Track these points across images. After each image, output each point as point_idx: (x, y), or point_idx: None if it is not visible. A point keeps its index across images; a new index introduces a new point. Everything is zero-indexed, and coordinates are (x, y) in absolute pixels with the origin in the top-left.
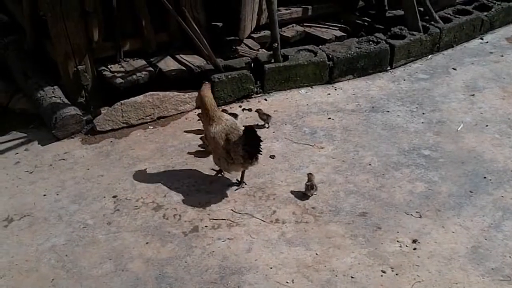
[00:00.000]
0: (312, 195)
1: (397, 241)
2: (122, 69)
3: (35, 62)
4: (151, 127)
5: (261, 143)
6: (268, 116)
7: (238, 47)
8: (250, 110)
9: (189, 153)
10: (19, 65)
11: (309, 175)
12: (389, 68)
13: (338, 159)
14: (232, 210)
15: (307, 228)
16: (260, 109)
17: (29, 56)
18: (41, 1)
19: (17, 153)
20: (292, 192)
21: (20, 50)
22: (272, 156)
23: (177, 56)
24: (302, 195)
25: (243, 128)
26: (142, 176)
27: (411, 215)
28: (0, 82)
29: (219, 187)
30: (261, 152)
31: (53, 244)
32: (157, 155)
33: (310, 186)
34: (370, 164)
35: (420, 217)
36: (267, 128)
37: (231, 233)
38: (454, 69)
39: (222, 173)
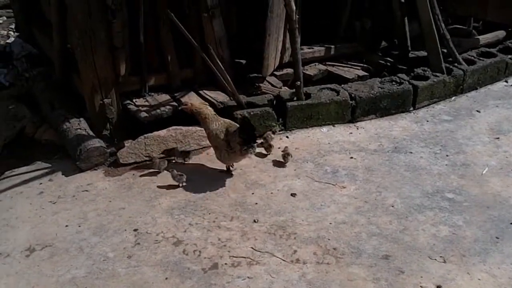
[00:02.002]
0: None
1: (421, 286)
2: (146, 103)
3: (62, 94)
4: (174, 161)
5: (255, 132)
6: (288, 154)
7: (261, 84)
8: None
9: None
10: (46, 96)
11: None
12: (412, 108)
13: (360, 200)
14: (252, 248)
15: (329, 270)
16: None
17: (56, 88)
18: (70, 36)
19: (41, 183)
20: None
21: (47, 81)
22: (293, 194)
23: (200, 91)
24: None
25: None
26: (162, 210)
27: (435, 259)
28: (27, 112)
29: (239, 224)
30: (255, 140)
31: (73, 276)
32: (179, 189)
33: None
34: (393, 206)
35: (445, 262)
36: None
37: (251, 272)
38: (478, 111)
39: (232, 168)
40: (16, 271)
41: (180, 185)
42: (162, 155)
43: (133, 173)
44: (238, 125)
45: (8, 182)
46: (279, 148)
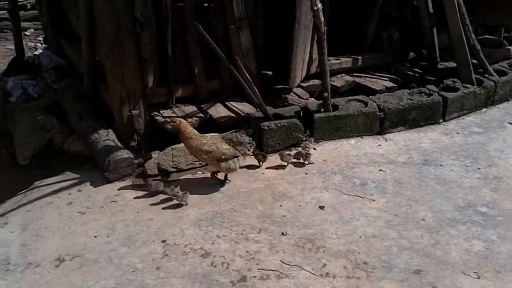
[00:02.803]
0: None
1: None
2: (173, 115)
3: (90, 105)
4: (200, 172)
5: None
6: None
7: (287, 96)
8: (298, 159)
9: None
10: (74, 107)
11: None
12: (441, 120)
13: (390, 213)
14: (281, 261)
15: (359, 284)
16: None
17: (85, 99)
18: (99, 48)
19: (70, 194)
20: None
21: (76, 93)
22: (322, 207)
23: (227, 103)
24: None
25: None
26: (190, 222)
27: (469, 275)
28: (56, 123)
29: (267, 236)
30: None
31: (102, 287)
32: (206, 200)
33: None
34: (424, 220)
35: (479, 278)
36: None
37: (280, 285)
38: (510, 123)
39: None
40: (46, 281)
41: (184, 203)
42: (157, 177)
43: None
44: (229, 132)
45: (37, 192)
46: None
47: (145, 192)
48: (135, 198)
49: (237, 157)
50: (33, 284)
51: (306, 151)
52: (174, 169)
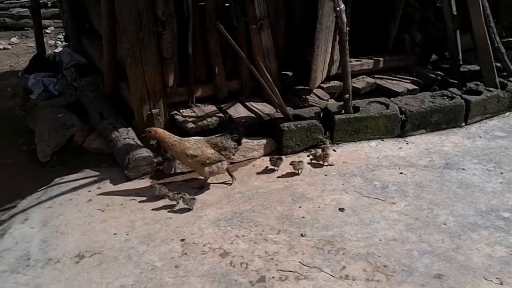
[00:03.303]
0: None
1: None
2: (193, 114)
3: (110, 103)
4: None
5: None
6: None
7: (307, 97)
8: (317, 160)
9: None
10: (95, 106)
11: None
12: (463, 124)
13: (411, 216)
14: (300, 262)
15: (379, 287)
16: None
17: (105, 97)
18: (120, 47)
19: (89, 191)
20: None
21: (96, 91)
22: (342, 209)
23: (246, 103)
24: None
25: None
26: (209, 221)
27: (491, 281)
28: (76, 121)
29: (286, 237)
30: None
31: (122, 284)
32: (224, 200)
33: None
34: (445, 224)
35: (501, 284)
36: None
37: (299, 287)
38: None
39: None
40: (66, 277)
41: (192, 208)
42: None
43: (179, 183)
44: (214, 136)
45: (57, 189)
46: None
47: (195, 187)
48: (154, 196)
49: (221, 161)
50: (53, 280)
51: (325, 152)
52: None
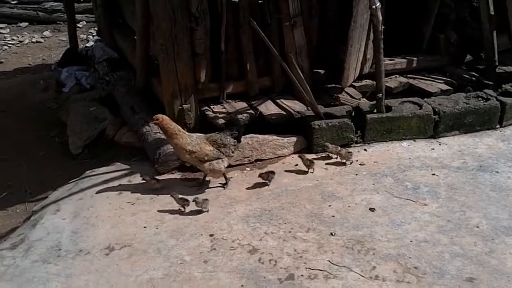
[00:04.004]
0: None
1: None
2: (224, 110)
3: (142, 98)
4: (248, 169)
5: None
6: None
7: (339, 95)
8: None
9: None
10: (127, 100)
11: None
12: (498, 126)
13: (443, 218)
14: (329, 261)
15: None
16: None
17: (137, 92)
18: (153, 43)
19: (120, 184)
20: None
21: (128, 86)
22: (372, 209)
23: (277, 100)
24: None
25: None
26: (238, 218)
27: None
28: (108, 115)
29: (316, 236)
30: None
31: (151, 277)
32: (254, 197)
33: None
34: (477, 227)
35: None
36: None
37: (328, 286)
38: None
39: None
40: (96, 268)
41: (183, 210)
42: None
43: (209, 179)
44: (214, 134)
45: (88, 181)
46: (357, 161)
47: (193, 186)
48: (183, 191)
49: (220, 159)
50: (83, 271)
51: (346, 150)
52: None
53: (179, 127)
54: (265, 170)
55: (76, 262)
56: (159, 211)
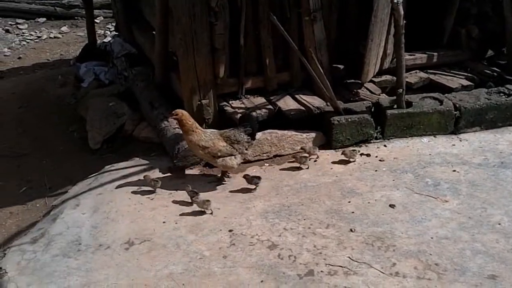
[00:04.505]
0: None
1: None
2: (242, 106)
3: (160, 93)
4: (267, 164)
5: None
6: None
7: (359, 91)
8: (368, 155)
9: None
10: (145, 95)
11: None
12: None
13: (464, 215)
14: (349, 257)
15: (430, 286)
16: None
17: (156, 87)
18: (172, 38)
19: (139, 179)
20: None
21: (147, 81)
22: (392, 205)
23: (296, 96)
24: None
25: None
26: (257, 213)
27: None
28: (127, 110)
29: (335, 232)
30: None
31: (170, 272)
32: (272, 193)
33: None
34: (499, 224)
35: None
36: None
37: (348, 282)
38: None
39: (227, 175)
40: (116, 263)
41: (208, 212)
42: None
43: (227, 174)
44: (228, 130)
45: (108, 176)
46: (376, 156)
47: (212, 181)
48: (202, 186)
49: (233, 155)
50: (103, 265)
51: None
52: (241, 160)
53: (196, 124)
54: (251, 174)
55: (96, 257)
56: (178, 206)
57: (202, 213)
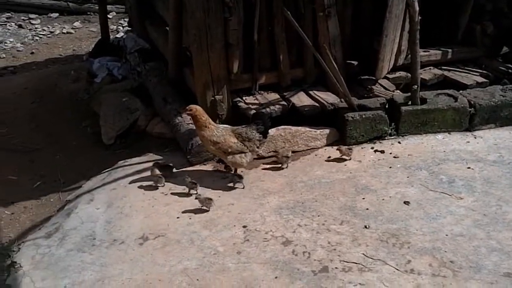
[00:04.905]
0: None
1: None
2: (256, 101)
3: (174, 88)
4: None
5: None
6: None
7: (373, 87)
8: (382, 152)
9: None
10: (159, 91)
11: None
12: None
13: (479, 212)
14: (363, 254)
15: (445, 283)
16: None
17: (169, 83)
18: (186, 33)
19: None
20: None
21: (160, 76)
22: (407, 202)
23: (310, 91)
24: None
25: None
26: (271, 209)
27: None
28: (140, 105)
29: (349, 228)
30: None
31: (185, 267)
32: (286, 189)
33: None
34: None
35: None
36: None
37: (363, 279)
38: None
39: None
40: (131, 258)
41: (207, 209)
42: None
43: (241, 170)
44: (241, 127)
45: (122, 171)
46: (390, 153)
47: (225, 177)
48: (215, 182)
49: (244, 152)
50: (117, 260)
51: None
52: (255, 156)
53: (210, 119)
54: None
55: (110, 252)
56: (192, 201)
57: (217, 208)
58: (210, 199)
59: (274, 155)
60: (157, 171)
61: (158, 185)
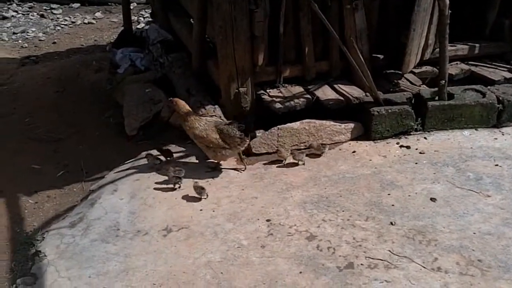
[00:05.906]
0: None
1: None
2: (280, 94)
3: (197, 80)
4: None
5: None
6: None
7: (399, 81)
8: (408, 147)
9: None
10: (182, 82)
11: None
12: None
13: (507, 211)
14: (389, 251)
15: (473, 282)
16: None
17: (192, 74)
18: (210, 25)
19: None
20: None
21: (183, 67)
22: (433, 199)
23: (335, 85)
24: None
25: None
26: (295, 203)
27: None
28: (163, 97)
29: (375, 224)
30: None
31: (209, 260)
32: (310, 183)
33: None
34: None
35: None
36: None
37: (389, 276)
38: None
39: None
40: (154, 249)
41: (203, 197)
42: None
43: (264, 163)
44: (225, 121)
45: (145, 162)
46: (416, 149)
47: (249, 171)
48: (239, 175)
49: (225, 149)
50: (141, 251)
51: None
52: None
53: (192, 112)
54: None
55: (134, 243)
56: (215, 194)
57: (240, 201)
58: (203, 188)
59: (309, 147)
60: (172, 173)
61: (176, 187)
